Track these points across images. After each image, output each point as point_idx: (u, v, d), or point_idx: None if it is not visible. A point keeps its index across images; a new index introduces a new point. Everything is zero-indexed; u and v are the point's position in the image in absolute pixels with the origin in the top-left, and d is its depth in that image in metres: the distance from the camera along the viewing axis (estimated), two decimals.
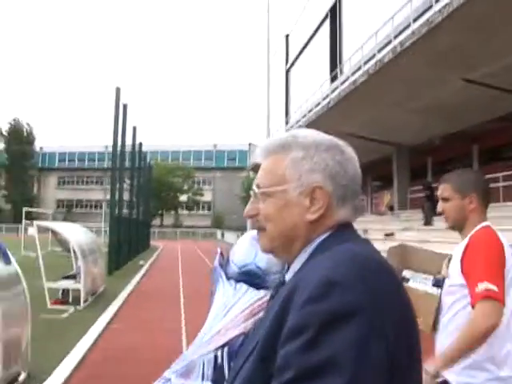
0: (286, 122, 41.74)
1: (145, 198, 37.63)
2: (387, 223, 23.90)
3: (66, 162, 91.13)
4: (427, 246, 7.05)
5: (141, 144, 31.60)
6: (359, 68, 21.16)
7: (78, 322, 9.97)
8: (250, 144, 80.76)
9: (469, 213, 2.72)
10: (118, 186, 21.89)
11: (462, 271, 2.56)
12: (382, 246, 4.04)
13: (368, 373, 0.94)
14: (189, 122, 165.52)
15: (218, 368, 1.81)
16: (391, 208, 28.14)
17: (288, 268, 1.27)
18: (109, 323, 10.08)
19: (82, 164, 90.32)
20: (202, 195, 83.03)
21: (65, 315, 10.64)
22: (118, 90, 20.52)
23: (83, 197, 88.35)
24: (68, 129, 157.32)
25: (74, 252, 12.79)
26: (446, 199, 2.80)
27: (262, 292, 1.86)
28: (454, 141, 22.82)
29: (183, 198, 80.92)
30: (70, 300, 11.79)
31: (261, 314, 1.53)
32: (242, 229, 50.75)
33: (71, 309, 11.18)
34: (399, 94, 18.36)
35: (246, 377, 1.10)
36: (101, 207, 76.54)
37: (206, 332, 1.91)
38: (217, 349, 1.83)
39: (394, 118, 20.95)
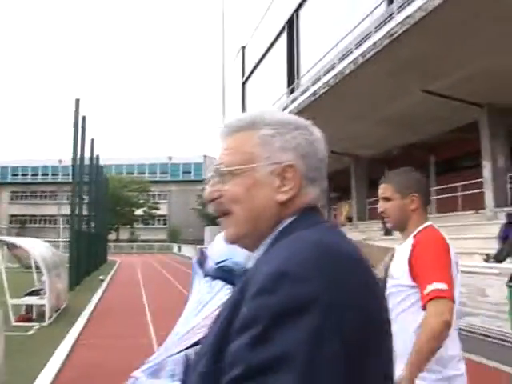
0: None
1: (102, 211, 37.12)
2: (346, 234, 23.95)
3: (19, 177, 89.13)
4: None
5: (98, 157, 31.17)
6: (319, 79, 21.30)
7: (45, 338, 9.71)
8: (205, 156, 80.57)
9: (411, 213, 2.74)
10: (77, 199, 21.57)
11: (410, 273, 2.56)
12: None
13: (321, 370, 0.88)
14: (143, 134, 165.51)
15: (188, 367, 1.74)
16: (350, 219, 28.40)
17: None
18: (77, 339, 9.84)
19: (35, 178, 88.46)
20: (157, 209, 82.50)
21: (30, 332, 10.36)
22: (77, 102, 20.16)
23: (37, 212, 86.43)
24: (21, 142, 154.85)
25: (37, 267, 12.51)
26: (386, 199, 2.81)
27: None
28: (412, 151, 23.23)
29: (139, 211, 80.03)
30: (34, 316, 11.52)
31: None
32: (198, 242, 50.64)
33: (36, 325, 10.90)
34: (360, 105, 18.59)
35: (201, 372, 1.04)
36: (55, 222, 75.33)
37: (178, 330, 1.87)
38: (188, 347, 1.78)
39: (353, 129, 21.20)
